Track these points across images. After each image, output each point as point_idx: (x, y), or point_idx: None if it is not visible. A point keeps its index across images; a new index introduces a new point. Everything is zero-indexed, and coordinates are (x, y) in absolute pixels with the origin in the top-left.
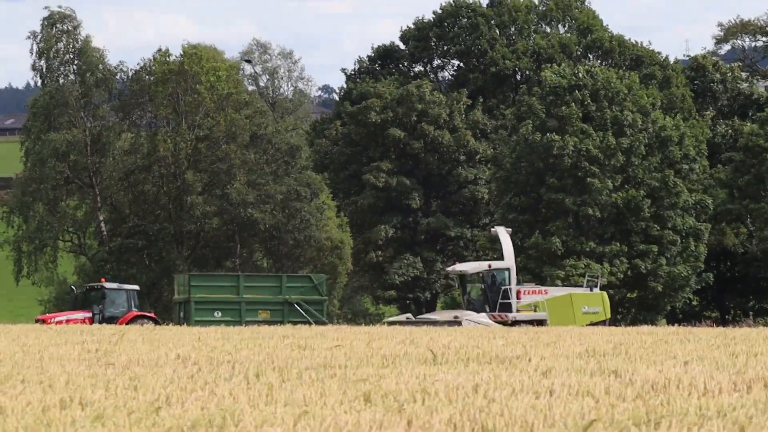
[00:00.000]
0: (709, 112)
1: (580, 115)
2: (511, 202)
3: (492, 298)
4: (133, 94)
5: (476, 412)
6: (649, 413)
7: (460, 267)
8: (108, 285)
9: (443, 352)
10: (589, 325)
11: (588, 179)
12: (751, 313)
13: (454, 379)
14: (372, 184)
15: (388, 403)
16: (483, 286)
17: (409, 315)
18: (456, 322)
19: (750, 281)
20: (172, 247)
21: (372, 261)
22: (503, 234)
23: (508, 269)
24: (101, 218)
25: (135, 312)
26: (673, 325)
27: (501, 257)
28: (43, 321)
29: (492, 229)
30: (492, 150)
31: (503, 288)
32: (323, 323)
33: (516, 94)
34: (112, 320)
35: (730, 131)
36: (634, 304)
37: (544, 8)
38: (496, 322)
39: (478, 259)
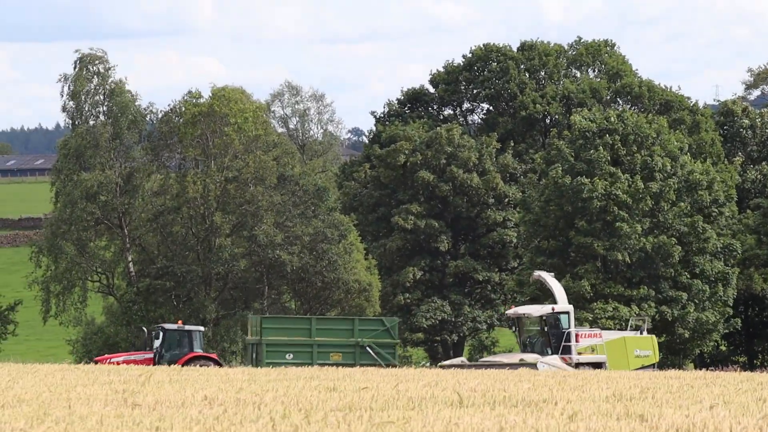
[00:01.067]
0: (738, 158)
1: (609, 159)
2: (540, 246)
3: (554, 340)
4: (162, 136)
5: None
6: None
7: (523, 310)
8: (167, 326)
9: (469, 395)
10: (640, 369)
11: (617, 223)
12: None
13: (480, 422)
14: (400, 227)
15: None
16: (546, 328)
17: (463, 359)
18: (531, 365)
19: None
20: (200, 288)
21: (400, 303)
22: (550, 278)
23: (568, 312)
24: (130, 259)
25: (195, 353)
26: (700, 369)
27: (535, 300)
28: (98, 362)
29: (535, 274)
30: (521, 193)
31: (565, 331)
32: (394, 366)
33: (545, 138)
34: (172, 361)
35: (759, 177)
36: (662, 349)
37: (573, 53)
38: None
39: (506, 302)
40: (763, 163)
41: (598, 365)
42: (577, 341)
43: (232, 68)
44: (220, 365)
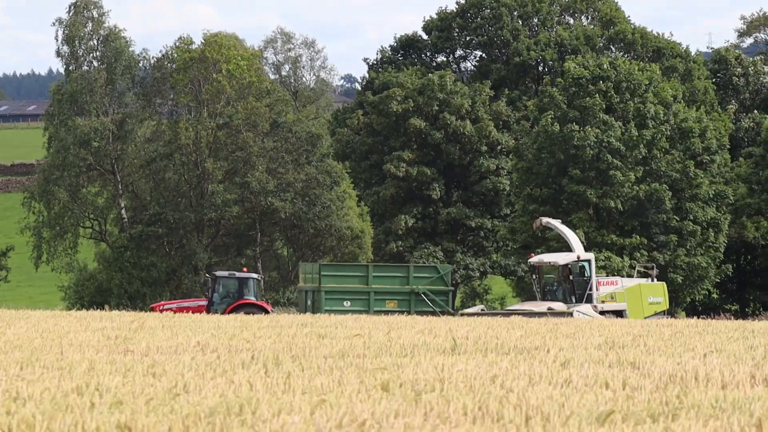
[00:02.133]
0: (731, 106)
1: (603, 106)
2: (532, 194)
3: (578, 289)
4: (154, 82)
5: (493, 402)
6: (666, 405)
7: (548, 257)
8: (219, 273)
9: (462, 342)
10: (653, 316)
11: (610, 171)
12: None
13: (473, 369)
14: (393, 174)
15: (406, 393)
16: (571, 276)
17: (483, 306)
18: (562, 314)
19: None
20: (193, 235)
21: (392, 251)
22: (560, 224)
23: (590, 260)
24: (122, 205)
25: (245, 299)
26: (692, 317)
27: (528, 248)
28: (152, 309)
29: (543, 220)
30: (514, 141)
31: (589, 279)
32: (450, 314)
33: (539, 86)
34: (223, 308)
35: (752, 125)
36: None
37: (567, 0)
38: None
39: (498, 250)
40: (756, 111)
41: (619, 313)
42: (597, 289)
43: (225, 14)
44: (267, 313)
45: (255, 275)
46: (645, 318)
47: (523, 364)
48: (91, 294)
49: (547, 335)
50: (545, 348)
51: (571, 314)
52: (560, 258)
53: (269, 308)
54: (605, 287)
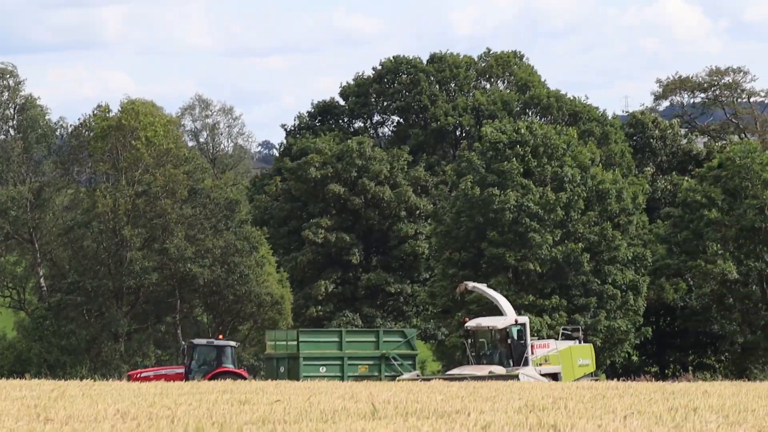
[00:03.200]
0: (649, 168)
1: (521, 170)
2: (452, 257)
3: (516, 352)
4: (72, 150)
5: None
6: None
7: (487, 322)
8: (197, 341)
9: (383, 407)
10: (582, 377)
11: (529, 234)
12: (690, 367)
13: None
14: (311, 240)
15: None
16: (509, 340)
17: (418, 372)
18: (506, 377)
19: (689, 336)
20: (112, 303)
21: (312, 316)
22: (487, 288)
23: (525, 323)
24: (41, 274)
25: (225, 368)
26: (612, 379)
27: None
28: (130, 377)
29: (469, 285)
30: (432, 205)
31: (526, 342)
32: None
33: (456, 150)
34: (201, 375)
35: (669, 187)
36: None
37: (483, 64)
38: (507, 376)
39: (418, 314)
40: (673, 173)
41: (554, 376)
42: (532, 352)
43: (142, 82)
44: (245, 379)
45: (232, 343)
46: (575, 380)
47: (443, 429)
48: (10, 363)
49: (467, 399)
50: (466, 412)
51: (517, 377)
52: (498, 322)
53: (246, 375)
54: (539, 350)
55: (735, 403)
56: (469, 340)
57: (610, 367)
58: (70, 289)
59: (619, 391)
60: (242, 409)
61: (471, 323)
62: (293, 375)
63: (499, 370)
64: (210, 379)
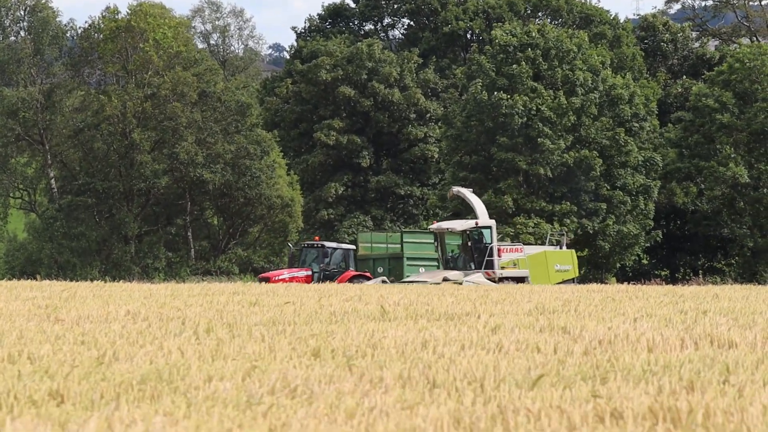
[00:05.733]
0: (661, 72)
1: (531, 74)
2: (462, 161)
3: (477, 255)
4: (82, 52)
5: (425, 366)
6: (597, 369)
7: (446, 224)
8: (329, 244)
9: (392, 308)
10: (561, 283)
11: (539, 139)
12: (700, 271)
13: (403, 335)
14: (322, 143)
15: (338, 359)
16: (470, 243)
17: (385, 278)
18: (457, 283)
19: (699, 240)
20: (123, 204)
21: (322, 219)
22: (469, 193)
23: (490, 227)
24: (51, 175)
25: (352, 271)
26: (623, 283)
27: (458, 216)
28: (267, 279)
29: (454, 189)
30: (443, 109)
31: (489, 245)
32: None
33: (467, 54)
34: (331, 278)
35: (680, 90)
36: (584, 263)
37: None
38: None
39: (427, 218)
40: (685, 77)
41: (520, 280)
42: (499, 256)
43: None
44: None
45: (353, 246)
46: (553, 285)
47: (453, 330)
48: (21, 264)
49: (478, 301)
50: (476, 314)
51: (460, 284)
52: (458, 225)
53: (371, 276)
54: (508, 254)
55: (745, 306)
56: (436, 244)
57: (620, 271)
58: (80, 190)
59: (629, 295)
60: (252, 310)
61: (433, 226)
62: (396, 275)
63: (455, 275)
64: (348, 281)
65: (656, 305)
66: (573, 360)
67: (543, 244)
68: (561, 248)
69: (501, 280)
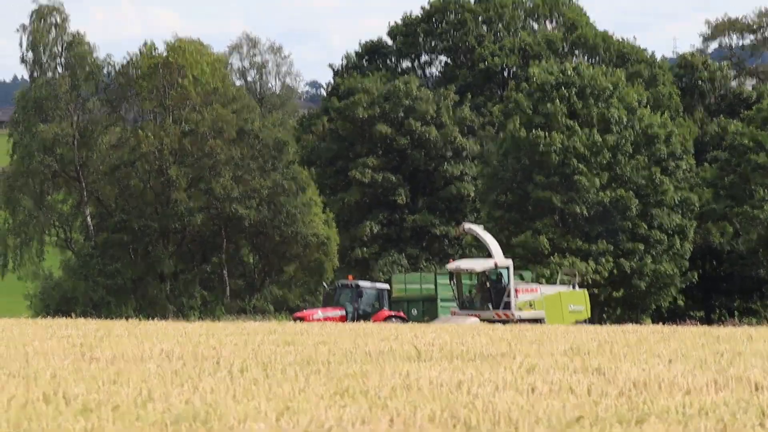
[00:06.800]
0: (697, 111)
1: (566, 112)
2: (498, 199)
3: (496, 296)
4: (119, 88)
5: (459, 408)
6: (632, 411)
7: (466, 264)
8: (363, 283)
9: (427, 349)
10: (575, 323)
11: (575, 177)
12: (736, 312)
13: (438, 375)
14: (358, 181)
15: (372, 399)
16: (487, 284)
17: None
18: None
19: (735, 280)
20: (158, 242)
21: (358, 257)
22: (482, 230)
23: (508, 267)
24: (87, 212)
25: (386, 311)
26: (658, 324)
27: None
28: (302, 318)
29: (465, 226)
30: (479, 146)
31: (507, 286)
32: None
33: (503, 91)
34: (365, 318)
35: (717, 130)
36: (620, 303)
37: (531, 4)
38: (500, 321)
39: (464, 256)
40: (722, 116)
41: (537, 320)
42: (516, 296)
43: (189, 20)
44: (406, 321)
45: (387, 286)
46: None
47: (488, 371)
48: (56, 302)
49: (513, 341)
50: (511, 354)
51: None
52: (477, 265)
53: (405, 317)
54: (524, 295)
55: None
56: (453, 283)
57: (655, 312)
58: (116, 228)
59: (664, 336)
60: (287, 350)
61: (451, 265)
62: (430, 316)
63: (471, 320)
64: (383, 320)
65: (691, 346)
66: (608, 401)
67: (554, 284)
68: (573, 288)
69: (519, 321)
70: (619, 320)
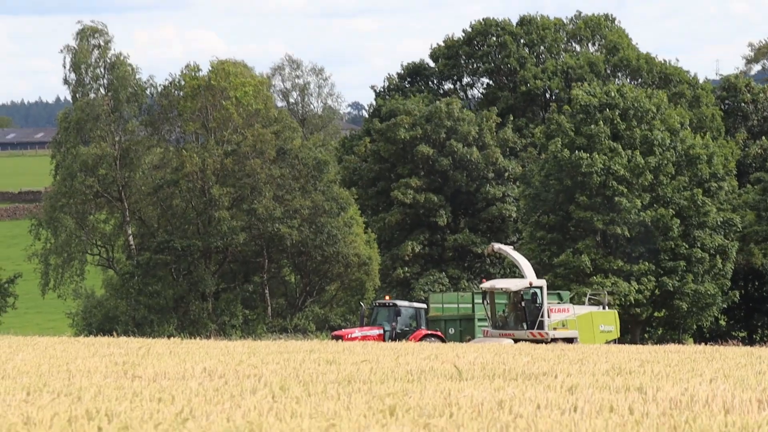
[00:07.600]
0: (740, 133)
1: (609, 133)
2: (540, 220)
3: (530, 316)
4: (162, 110)
5: (502, 427)
6: (674, 430)
7: (501, 284)
8: (401, 303)
9: (469, 368)
10: (605, 343)
11: (616, 198)
12: None
13: (480, 394)
14: (400, 201)
15: (414, 418)
16: (522, 303)
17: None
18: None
19: None
20: (200, 261)
21: (399, 277)
22: (512, 251)
23: (542, 286)
24: (130, 232)
25: (424, 330)
26: (699, 344)
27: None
28: (340, 337)
29: (495, 246)
30: (521, 168)
31: (541, 306)
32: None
33: (545, 113)
34: (402, 337)
35: (760, 151)
36: (661, 323)
37: (573, 27)
38: (534, 340)
39: (505, 276)
40: (764, 138)
41: (569, 340)
42: (548, 316)
43: (232, 42)
44: (444, 341)
45: (424, 305)
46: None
47: (530, 390)
48: (98, 321)
49: (554, 361)
50: (553, 374)
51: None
52: (512, 284)
53: (443, 336)
54: (557, 315)
55: None
56: (487, 303)
57: (697, 332)
58: (158, 248)
59: (706, 355)
60: (329, 368)
61: (486, 285)
62: (468, 335)
63: (506, 341)
64: (419, 340)
65: (734, 366)
66: (650, 421)
67: (583, 304)
68: (603, 308)
69: (553, 340)
70: (661, 340)
